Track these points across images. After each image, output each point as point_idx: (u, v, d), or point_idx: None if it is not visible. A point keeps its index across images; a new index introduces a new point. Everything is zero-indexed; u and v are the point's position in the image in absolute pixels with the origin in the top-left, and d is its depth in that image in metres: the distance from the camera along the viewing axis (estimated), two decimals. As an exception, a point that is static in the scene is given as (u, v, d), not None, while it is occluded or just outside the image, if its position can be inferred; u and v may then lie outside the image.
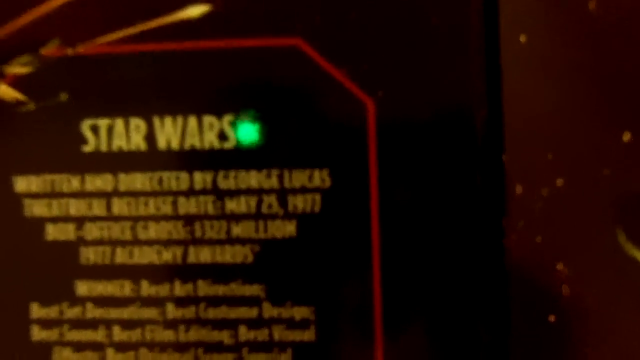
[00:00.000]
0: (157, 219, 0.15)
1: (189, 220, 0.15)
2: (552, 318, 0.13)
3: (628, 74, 0.13)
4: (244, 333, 0.15)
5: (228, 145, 0.15)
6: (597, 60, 0.13)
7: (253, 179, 0.15)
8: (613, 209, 0.13)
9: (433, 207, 0.14)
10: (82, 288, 0.15)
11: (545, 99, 0.14)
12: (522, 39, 0.14)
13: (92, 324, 0.15)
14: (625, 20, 0.13)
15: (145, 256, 0.15)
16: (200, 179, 0.15)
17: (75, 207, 0.15)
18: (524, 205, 0.14)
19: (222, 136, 0.15)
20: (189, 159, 0.15)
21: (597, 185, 0.13)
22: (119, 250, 0.15)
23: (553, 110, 0.14)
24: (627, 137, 0.13)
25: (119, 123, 0.15)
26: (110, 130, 0.15)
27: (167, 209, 0.15)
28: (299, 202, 0.15)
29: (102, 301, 0.15)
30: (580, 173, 0.13)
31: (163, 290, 0.15)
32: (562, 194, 0.13)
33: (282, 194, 0.15)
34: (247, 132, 0.15)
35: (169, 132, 0.15)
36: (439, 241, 0.14)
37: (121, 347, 0.15)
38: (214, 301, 0.15)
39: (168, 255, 0.15)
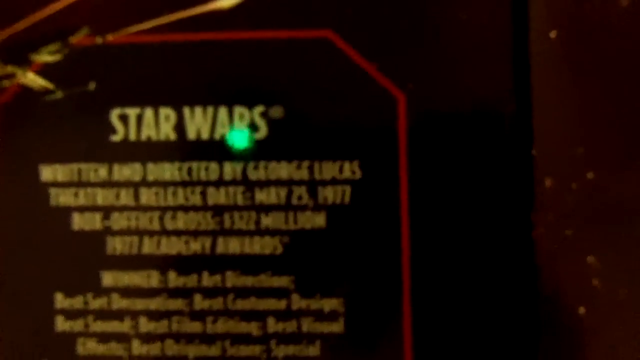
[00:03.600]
0: (185, 209, 0.15)
1: (218, 210, 0.15)
2: (582, 310, 0.13)
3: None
4: (272, 325, 0.15)
5: (259, 136, 0.15)
6: (628, 56, 0.14)
7: (283, 170, 0.15)
8: (644, 202, 0.13)
9: (462, 200, 0.14)
10: (108, 278, 0.15)
11: (575, 94, 0.14)
12: (552, 34, 0.14)
13: (118, 315, 0.15)
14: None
15: (173, 247, 0.15)
16: (230, 169, 0.15)
17: (102, 197, 0.15)
18: (554, 198, 0.14)
19: (253, 127, 0.15)
20: (219, 150, 0.15)
21: (627, 179, 0.13)
22: (146, 240, 0.15)
23: (582, 105, 0.14)
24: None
25: (149, 113, 0.15)
26: (139, 119, 0.15)
27: (196, 199, 0.15)
28: (329, 194, 0.15)
29: (128, 292, 0.15)
30: (611, 167, 0.13)
31: (191, 281, 0.15)
32: (593, 187, 0.14)
33: (312, 185, 0.15)
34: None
35: (199, 122, 0.15)
36: (468, 234, 0.14)
37: (147, 338, 0.15)
38: (243, 292, 0.15)
39: (196, 246, 0.15)
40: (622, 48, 0.14)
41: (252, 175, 0.15)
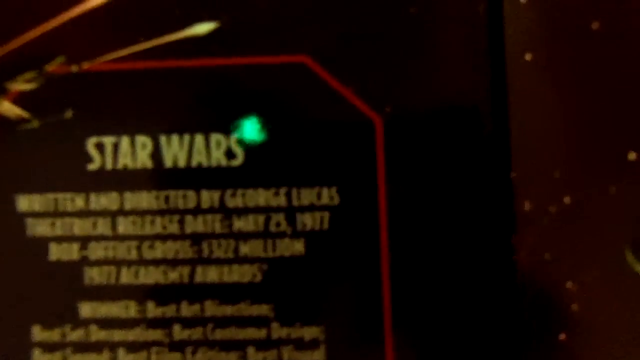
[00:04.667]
0: (163, 238, 0.15)
1: (196, 239, 0.15)
2: (562, 336, 0.13)
3: (632, 93, 0.13)
4: (252, 354, 0.14)
5: (235, 162, 0.15)
6: (602, 79, 0.14)
7: (261, 197, 0.15)
8: (620, 227, 0.13)
9: (442, 224, 0.14)
10: (86, 309, 0.15)
11: (552, 117, 0.14)
12: (528, 57, 0.14)
13: (96, 347, 0.15)
14: (628, 39, 0.14)
15: (151, 276, 0.15)
16: (208, 197, 0.15)
17: (79, 227, 0.15)
18: (533, 222, 0.14)
19: (230, 154, 0.15)
20: (196, 177, 0.15)
21: (603, 203, 0.13)
22: (124, 270, 0.15)
23: (559, 128, 0.14)
24: (632, 156, 0.13)
25: (125, 141, 0.15)
26: (115, 148, 0.15)
27: (173, 227, 0.15)
28: (307, 220, 0.15)
29: (107, 323, 0.15)
30: (587, 191, 0.13)
31: (169, 311, 0.15)
32: (570, 211, 0.13)
33: (291, 212, 0.15)
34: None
35: (176, 150, 0.15)
36: (449, 259, 0.14)
37: (126, 369, 0.14)
38: (222, 322, 0.14)
39: (175, 275, 0.15)
40: (596, 70, 0.14)
41: (230, 202, 0.15)
